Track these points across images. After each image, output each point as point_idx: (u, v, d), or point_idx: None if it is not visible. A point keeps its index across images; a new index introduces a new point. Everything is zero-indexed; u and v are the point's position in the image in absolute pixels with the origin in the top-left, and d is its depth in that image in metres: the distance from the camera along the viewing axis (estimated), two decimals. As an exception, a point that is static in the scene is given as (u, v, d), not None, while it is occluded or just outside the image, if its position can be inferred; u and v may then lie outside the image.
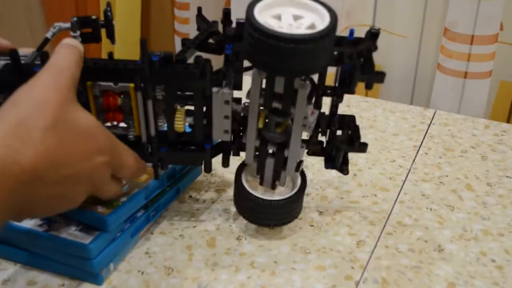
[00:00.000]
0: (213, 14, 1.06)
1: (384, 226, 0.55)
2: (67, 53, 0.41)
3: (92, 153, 0.40)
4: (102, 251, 0.46)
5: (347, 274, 0.48)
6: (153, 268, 0.49)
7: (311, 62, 0.41)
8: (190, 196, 0.59)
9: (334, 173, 0.64)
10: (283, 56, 0.40)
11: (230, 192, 0.59)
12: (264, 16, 0.41)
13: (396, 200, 0.59)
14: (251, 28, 0.40)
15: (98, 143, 0.40)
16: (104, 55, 0.97)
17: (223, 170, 0.63)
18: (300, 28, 0.41)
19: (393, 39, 0.90)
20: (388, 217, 0.56)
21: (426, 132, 0.74)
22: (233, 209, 0.57)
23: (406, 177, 0.64)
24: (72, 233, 0.46)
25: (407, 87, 0.94)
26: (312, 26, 0.41)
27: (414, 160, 0.67)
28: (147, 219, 0.52)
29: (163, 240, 0.52)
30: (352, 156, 0.67)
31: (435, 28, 0.87)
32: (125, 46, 1.05)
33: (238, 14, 1.01)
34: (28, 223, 0.47)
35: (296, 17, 0.42)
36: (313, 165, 0.65)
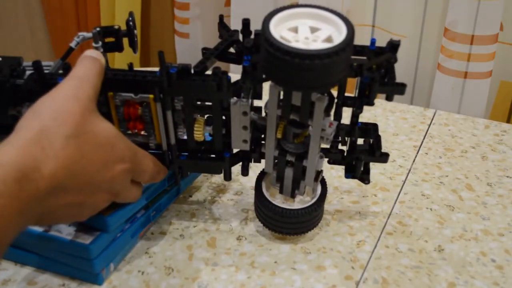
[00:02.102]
0: (213, 14, 1.07)
1: (384, 226, 0.55)
2: (89, 65, 0.42)
3: (112, 162, 0.40)
4: (102, 251, 0.46)
5: (347, 274, 0.48)
6: (153, 268, 0.49)
7: (327, 77, 0.40)
8: (190, 196, 0.59)
9: (334, 173, 0.64)
10: (298, 72, 0.39)
11: (231, 192, 0.59)
12: (280, 29, 0.41)
13: (396, 200, 0.59)
14: (266, 43, 0.40)
15: (118, 152, 0.41)
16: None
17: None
18: (316, 41, 0.41)
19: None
20: (388, 217, 0.56)
21: (426, 132, 0.74)
22: (233, 209, 0.57)
23: (406, 177, 0.64)
24: (72, 233, 0.46)
25: (407, 87, 0.94)
26: (329, 38, 0.41)
27: (414, 160, 0.67)
28: (147, 219, 0.52)
29: (163, 240, 0.52)
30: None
31: (435, 28, 0.87)
32: (125, 46, 1.05)
33: (237, 14, 1.01)
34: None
35: (313, 29, 0.42)
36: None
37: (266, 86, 0.46)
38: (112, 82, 0.44)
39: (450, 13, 0.80)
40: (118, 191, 0.43)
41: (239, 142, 0.48)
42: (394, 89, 0.44)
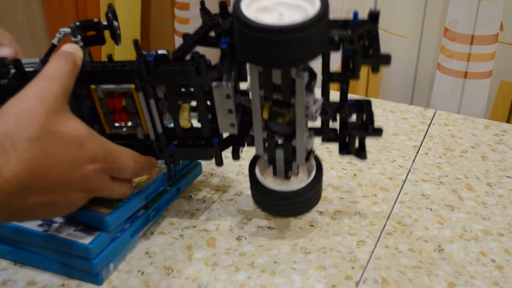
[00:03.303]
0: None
1: (384, 226, 0.55)
2: (59, 63, 0.42)
3: (82, 161, 0.40)
4: (102, 251, 0.46)
5: (347, 274, 0.48)
6: (153, 268, 0.49)
7: (303, 52, 0.39)
8: (190, 196, 0.59)
9: (334, 173, 0.64)
10: (273, 49, 0.39)
11: (231, 192, 0.59)
12: (253, 9, 0.40)
13: (396, 200, 0.59)
14: (238, 22, 0.39)
15: (88, 152, 0.40)
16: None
17: (223, 170, 0.63)
18: (290, 17, 0.40)
19: (393, 39, 0.90)
20: (388, 217, 0.56)
21: (426, 132, 0.74)
22: (233, 209, 0.57)
23: (406, 177, 0.64)
24: (72, 233, 0.46)
25: (407, 87, 0.94)
26: (303, 13, 0.40)
27: (414, 160, 0.67)
28: (147, 219, 0.52)
29: (163, 240, 0.52)
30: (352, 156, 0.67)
31: (435, 28, 0.87)
32: (125, 46, 1.05)
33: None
34: (28, 223, 0.47)
35: (286, 5, 0.41)
36: (313, 165, 0.65)
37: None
38: (92, 74, 0.44)
39: (450, 13, 0.80)
40: (95, 190, 0.43)
41: (226, 126, 0.48)
42: (378, 60, 0.43)
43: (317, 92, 0.46)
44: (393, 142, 0.71)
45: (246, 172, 0.54)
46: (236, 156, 0.51)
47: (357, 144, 0.50)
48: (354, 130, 0.49)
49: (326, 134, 0.50)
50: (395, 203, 0.59)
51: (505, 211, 0.58)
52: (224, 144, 0.50)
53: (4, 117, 0.37)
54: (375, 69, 0.43)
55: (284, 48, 0.39)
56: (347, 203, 0.58)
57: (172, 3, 1.10)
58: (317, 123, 0.48)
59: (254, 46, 0.39)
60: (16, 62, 0.43)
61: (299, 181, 0.51)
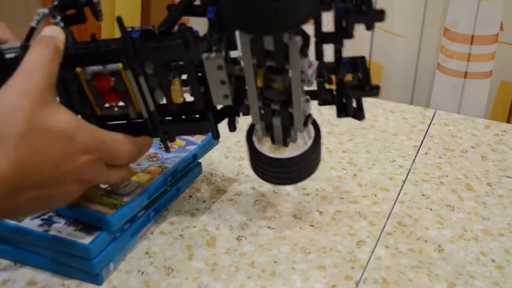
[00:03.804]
0: None
1: (384, 226, 0.55)
2: (40, 51, 0.40)
3: (74, 154, 0.39)
4: (102, 251, 0.46)
5: (347, 274, 0.48)
6: (153, 268, 0.49)
7: (293, 15, 0.38)
8: (190, 196, 0.59)
9: (334, 173, 0.64)
10: (262, 14, 0.37)
11: (231, 192, 0.59)
12: None
13: (396, 200, 0.59)
14: None
15: (79, 144, 0.39)
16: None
17: (223, 170, 0.63)
18: None
19: (393, 39, 0.90)
20: (388, 217, 0.56)
21: (426, 132, 0.74)
22: (233, 209, 0.57)
23: (406, 177, 0.64)
24: (72, 233, 0.46)
25: (407, 87, 0.94)
26: None
27: (414, 160, 0.67)
28: (147, 219, 0.52)
29: (163, 240, 0.52)
30: (352, 157, 0.67)
31: (435, 28, 0.87)
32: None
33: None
34: (28, 223, 0.47)
35: None
36: (313, 165, 0.65)
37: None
38: (76, 57, 0.43)
39: (450, 13, 0.80)
40: (91, 179, 0.42)
41: (220, 98, 0.46)
42: (372, 17, 0.41)
43: (311, 54, 0.45)
44: (393, 142, 0.71)
45: (246, 172, 0.54)
46: (232, 127, 0.49)
47: (354, 104, 0.49)
48: (350, 91, 0.47)
49: (322, 97, 0.49)
50: (395, 203, 0.59)
51: (505, 211, 0.58)
52: (219, 116, 0.49)
53: None
54: (369, 27, 0.42)
55: (275, 13, 0.37)
56: (347, 203, 0.58)
57: (172, 3, 1.10)
58: (312, 85, 0.47)
59: (244, 13, 0.38)
60: None
61: (298, 147, 0.50)
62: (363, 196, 0.60)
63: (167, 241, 0.52)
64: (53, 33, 0.42)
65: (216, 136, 0.49)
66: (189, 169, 0.58)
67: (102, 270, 0.46)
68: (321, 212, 0.56)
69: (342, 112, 0.49)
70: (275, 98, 0.46)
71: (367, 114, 0.78)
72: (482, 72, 0.81)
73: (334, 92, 0.49)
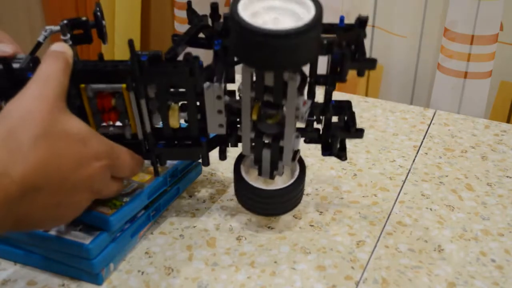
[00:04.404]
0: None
1: (384, 226, 0.55)
2: (53, 62, 0.41)
3: (87, 159, 0.40)
4: (102, 251, 0.46)
5: (347, 274, 0.48)
6: (153, 268, 0.49)
7: (299, 56, 0.40)
8: (190, 196, 0.59)
9: (334, 173, 0.64)
10: (269, 52, 0.39)
11: (230, 192, 0.59)
12: (249, 11, 0.41)
13: (396, 200, 0.59)
14: (235, 25, 0.39)
15: (92, 149, 0.40)
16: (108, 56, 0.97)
17: (223, 170, 0.63)
18: (285, 22, 0.41)
19: (393, 39, 0.90)
20: (388, 217, 0.56)
21: (426, 132, 0.74)
22: (233, 209, 0.57)
23: (406, 177, 0.64)
24: (72, 233, 0.46)
25: (407, 87, 0.94)
26: (298, 18, 0.41)
27: (414, 160, 0.67)
28: (147, 219, 0.52)
29: (163, 240, 0.52)
30: (352, 156, 0.67)
31: (435, 28, 0.87)
32: (125, 46, 1.05)
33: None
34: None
35: (282, 10, 0.42)
36: (313, 164, 0.65)
37: (239, 69, 0.46)
38: (83, 73, 0.44)
39: (450, 13, 0.80)
40: (99, 189, 0.42)
41: (215, 127, 0.48)
42: (364, 65, 0.44)
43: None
44: (393, 142, 0.71)
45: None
46: (223, 156, 0.52)
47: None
48: (337, 131, 0.50)
49: (309, 135, 0.51)
50: (395, 203, 0.59)
51: (505, 211, 0.58)
52: (211, 144, 0.51)
53: (6, 118, 0.37)
54: (360, 73, 0.45)
55: (281, 52, 0.39)
56: (347, 203, 0.58)
57: (172, 3, 1.10)
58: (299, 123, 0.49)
59: (251, 49, 0.40)
60: (3, 60, 0.43)
61: (283, 181, 0.52)
62: (363, 196, 0.60)
63: (167, 241, 0.52)
64: (63, 49, 0.43)
65: (206, 163, 0.51)
66: (189, 169, 0.58)
67: (102, 270, 0.46)
68: (321, 212, 0.57)
69: (327, 150, 0.52)
70: (268, 131, 0.48)
71: (367, 114, 0.79)
72: (482, 72, 0.81)
73: (321, 132, 0.51)
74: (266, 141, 0.49)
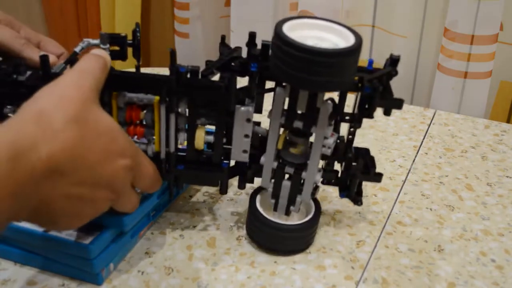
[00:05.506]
0: (213, 14, 1.07)
1: (384, 226, 0.55)
2: (92, 59, 0.42)
3: (113, 154, 0.39)
4: (102, 251, 0.46)
5: (347, 274, 0.48)
6: (153, 268, 0.49)
7: (337, 78, 0.41)
8: (190, 196, 0.59)
9: (334, 173, 0.64)
10: (312, 70, 0.40)
11: (230, 192, 0.59)
12: (292, 35, 0.42)
13: (396, 200, 0.59)
14: (281, 42, 0.40)
15: (119, 145, 0.40)
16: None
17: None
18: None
19: (393, 39, 0.90)
20: (388, 217, 0.56)
21: (426, 132, 0.74)
22: (233, 209, 0.57)
23: (406, 177, 0.64)
24: (72, 233, 0.46)
25: (407, 87, 0.94)
26: (336, 46, 0.42)
27: (414, 160, 0.67)
28: (147, 219, 0.52)
29: (163, 240, 0.52)
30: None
31: (435, 28, 0.87)
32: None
33: (237, 14, 1.00)
34: (29, 223, 0.47)
35: (321, 38, 0.43)
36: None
37: (267, 99, 0.47)
38: (120, 79, 0.44)
39: (450, 13, 0.80)
40: (119, 191, 0.41)
41: (239, 152, 0.48)
42: (392, 103, 0.45)
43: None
44: (393, 142, 0.71)
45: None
46: (242, 185, 0.52)
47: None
48: (357, 172, 0.50)
49: (328, 175, 0.51)
50: (395, 203, 0.59)
51: (505, 211, 0.58)
52: (233, 171, 0.51)
53: (39, 98, 0.37)
54: (387, 112, 0.46)
55: (323, 70, 0.40)
56: (347, 203, 0.58)
57: (172, 3, 1.10)
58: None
59: (294, 66, 0.40)
60: (43, 58, 0.43)
61: (298, 218, 0.51)
62: (363, 196, 0.59)
63: (167, 241, 0.52)
64: (103, 53, 0.44)
65: (224, 191, 0.51)
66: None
67: (102, 270, 0.46)
68: (321, 212, 0.56)
69: (344, 192, 0.52)
70: (292, 160, 0.48)
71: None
72: (482, 72, 0.81)
73: (340, 173, 0.51)
74: (289, 172, 0.49)
